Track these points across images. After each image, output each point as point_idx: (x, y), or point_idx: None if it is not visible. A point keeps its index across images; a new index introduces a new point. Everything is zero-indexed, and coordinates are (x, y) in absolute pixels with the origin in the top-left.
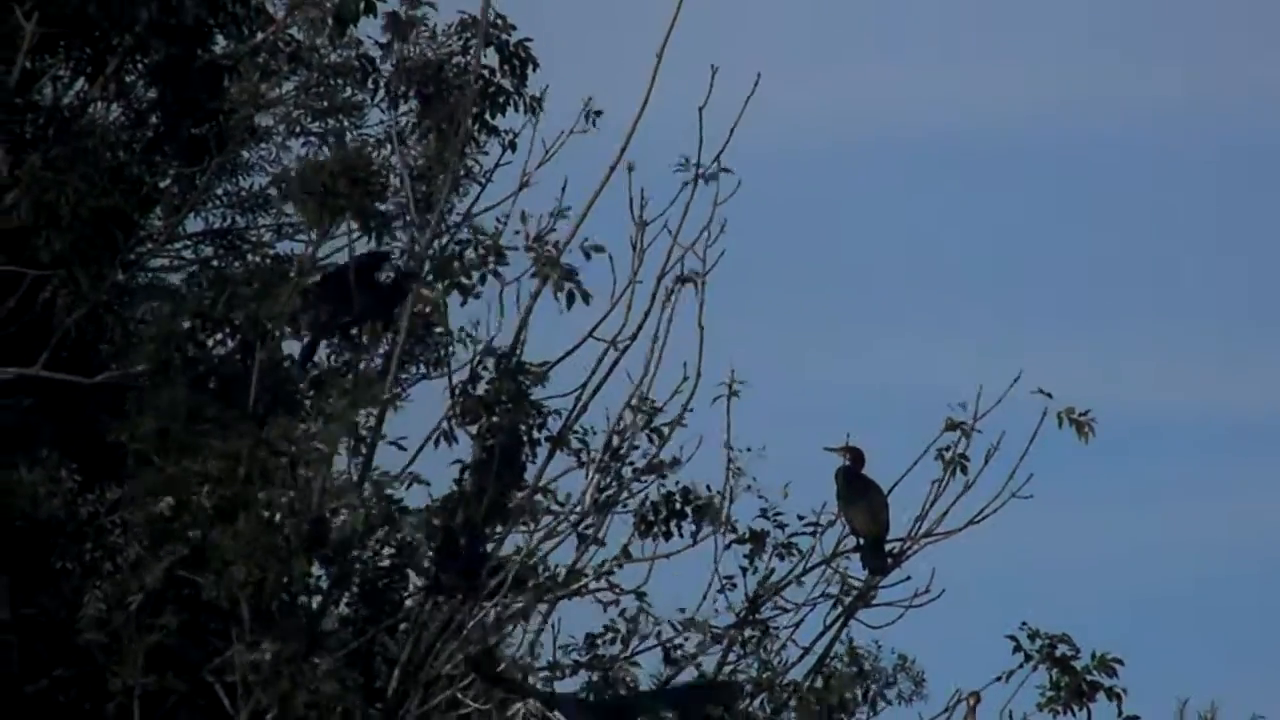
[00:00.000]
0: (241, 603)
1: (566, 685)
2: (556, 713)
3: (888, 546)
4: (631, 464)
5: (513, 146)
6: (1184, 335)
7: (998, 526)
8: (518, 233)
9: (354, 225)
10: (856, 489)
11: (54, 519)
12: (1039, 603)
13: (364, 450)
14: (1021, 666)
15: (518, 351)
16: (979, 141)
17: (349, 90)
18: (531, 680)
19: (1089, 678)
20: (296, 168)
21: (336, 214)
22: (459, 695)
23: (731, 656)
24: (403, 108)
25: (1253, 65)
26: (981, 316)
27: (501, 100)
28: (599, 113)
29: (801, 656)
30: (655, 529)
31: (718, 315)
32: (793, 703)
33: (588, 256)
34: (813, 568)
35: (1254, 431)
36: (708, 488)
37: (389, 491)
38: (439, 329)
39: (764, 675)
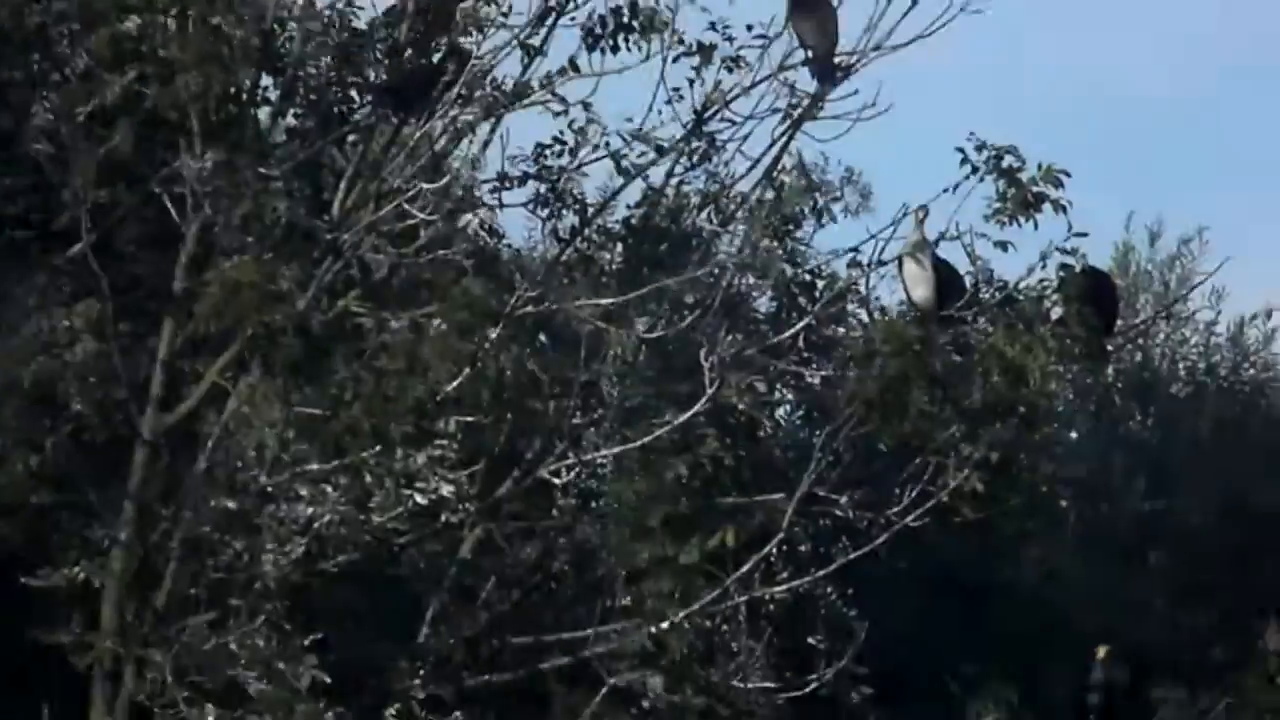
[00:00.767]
0: (191, 114)
1: (514, 196)
2: None
3: (837, 59)
4: None
5: None
6: None
7: (948, 40)
8: None
9: None
10: (806, 1)
11: (0, 29)
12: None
13: None
14: (968, 179)
15: None
16: None
17: None
18: (478, 193)
19: (1035, 189)
20: None
21: None
22: (406, 206)
23: (679, 169)
24: None
25: None
26: None
27: None
28: None
29: (750, 169)
30: (602, 43)
31: None
32: (740, 214)
33: None
34: (761, 80)
35: None
36: (655, 0)
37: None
38: None
39: (711, 188)
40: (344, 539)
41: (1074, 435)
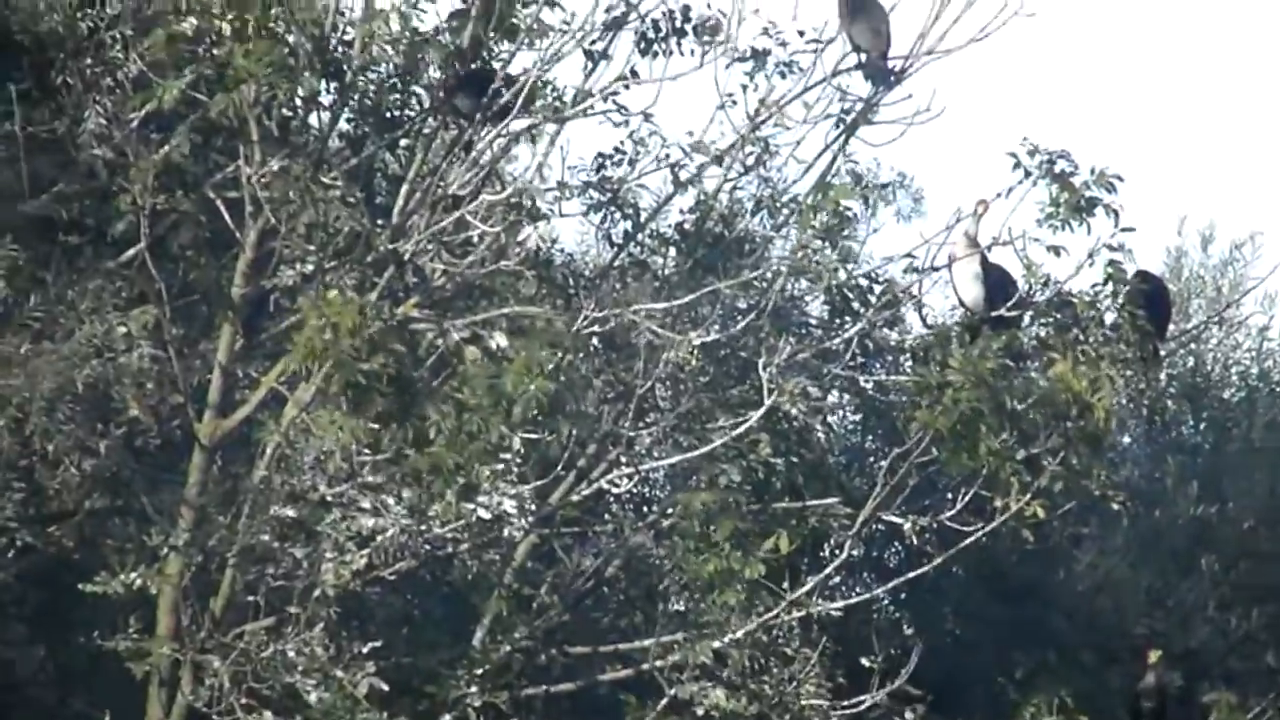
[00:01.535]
0: (250, 120)
1: (573, 207)
2: None
3: (890, 63)
4: None
5: None
6: None
7: (1000, 43)
8: None
9: None
10: (858, 4)
11: (54, 33)
12: (1041, 121)
13: None
14: (1021, 183)
15: None
16: None
17: None
18: (538, 202)
19: (1088, 194)
20: None
21: None
22: (467, 218)
23: (732, 174)
24: None
25: None
26: None
27: None
28: None
29: (804, 174)
30: (656, 46)
31: None
32: (794, 218)
33: None
34: (814, 85)
35: None
36: (708, 5)
37: (414, 24)
38: None
39: (765, 192)
40: (402, 547)
41: (1126, 440)
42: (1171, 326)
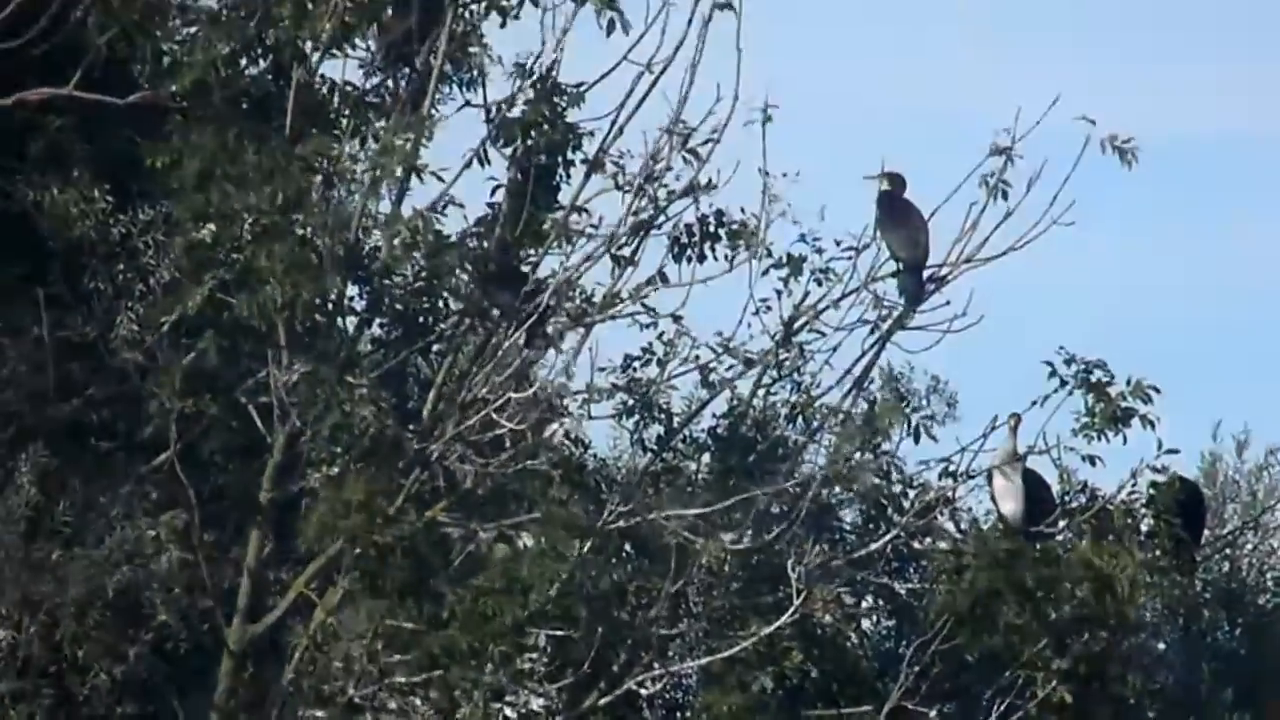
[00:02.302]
0: (277, 324)
1: (602, 408)
2: None
3: (927, 272)
4: (665, 186)
5: None
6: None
7: (1038, 253)
8: None
9: None
10: (897, 213)
11: (86, 239)
12: (1080, 330)
13: (399, 174)
14: (1057, 392)
15: (554, 73)
16: None
17: None
18: (566, 402)
19: (1124, 404)
20: None
21: None
22: (494, 416)
23: (766, 380)
24: None
25: None
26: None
27: None
28: None
29: (839, 380)
30: (689, 251)
31: (755, 37)
32: (828, 426)
33: None
34: (850, 292)
35: None
36: (741, 210)
37: (437, 227)
38: (474, 50)
39: (799, 399)
40: None
41: (1161, 646)
42: (1207, 532)
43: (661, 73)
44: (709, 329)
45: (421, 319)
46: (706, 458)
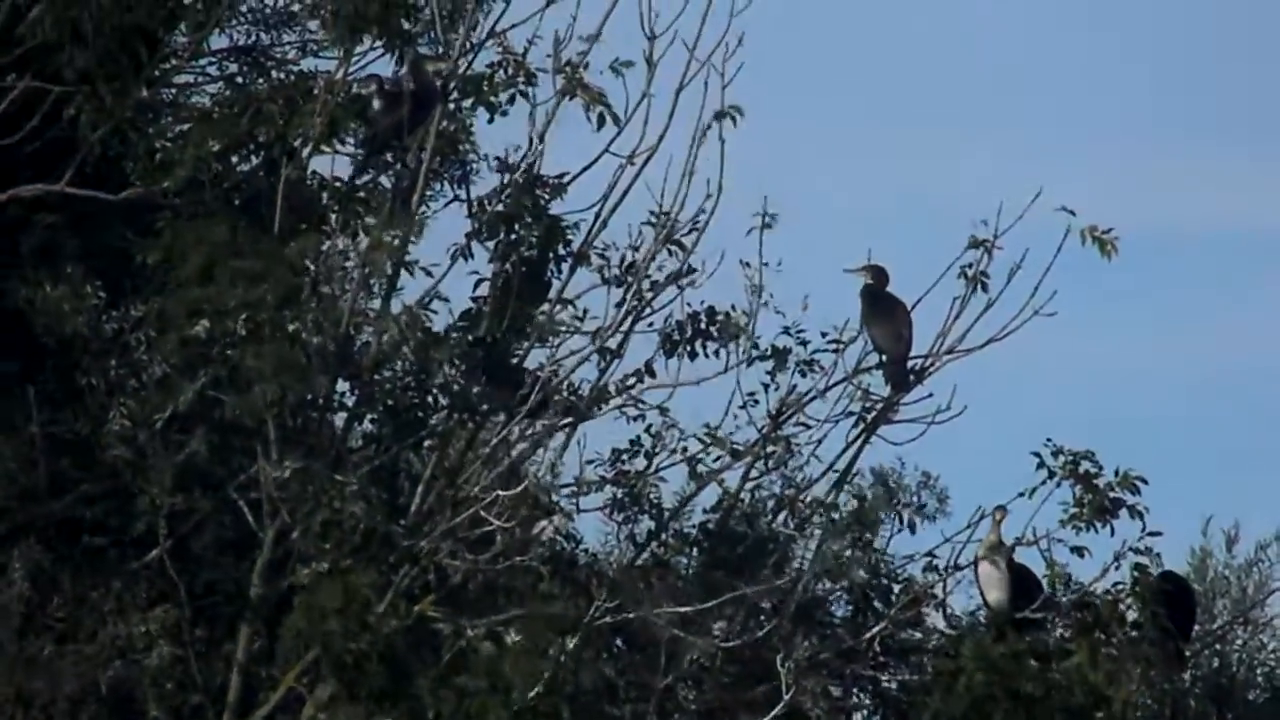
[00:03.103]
0: (267, 421)
1: (591, 501)
2: None
3: (910, 363)
4: (649, 277)
5: None
6: (1212, 150)
7: (1020, 343)
8: (549, 56)
9: (379, 43)
10: (881, 306)
11: (78, 335)
12: (1062, 420)
13: (388, 270)
14: (1045, 483)
15: (537, 166)
16: None
17: None
18: (555, 499)
19: (1112, 495)
20: None
21: (364, 33)
22: (483, 513)
23: (754, 473)
24: None
25: None
26: (1005, 132)
27: None
28: None
29: (825, 473)
30: (680, 349)
31: (739, 128)
32: (816, 518)
33: (618, 73)
34: (835, 384)
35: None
36: (732, 307)
37: (426, 323)
38: (463, 146)
39: (786, 492)
40: None
41: None
42: (1196, 627)
43: (644, 164)
44: (696, 420)
45: (410, 414)
46: (696, 552)
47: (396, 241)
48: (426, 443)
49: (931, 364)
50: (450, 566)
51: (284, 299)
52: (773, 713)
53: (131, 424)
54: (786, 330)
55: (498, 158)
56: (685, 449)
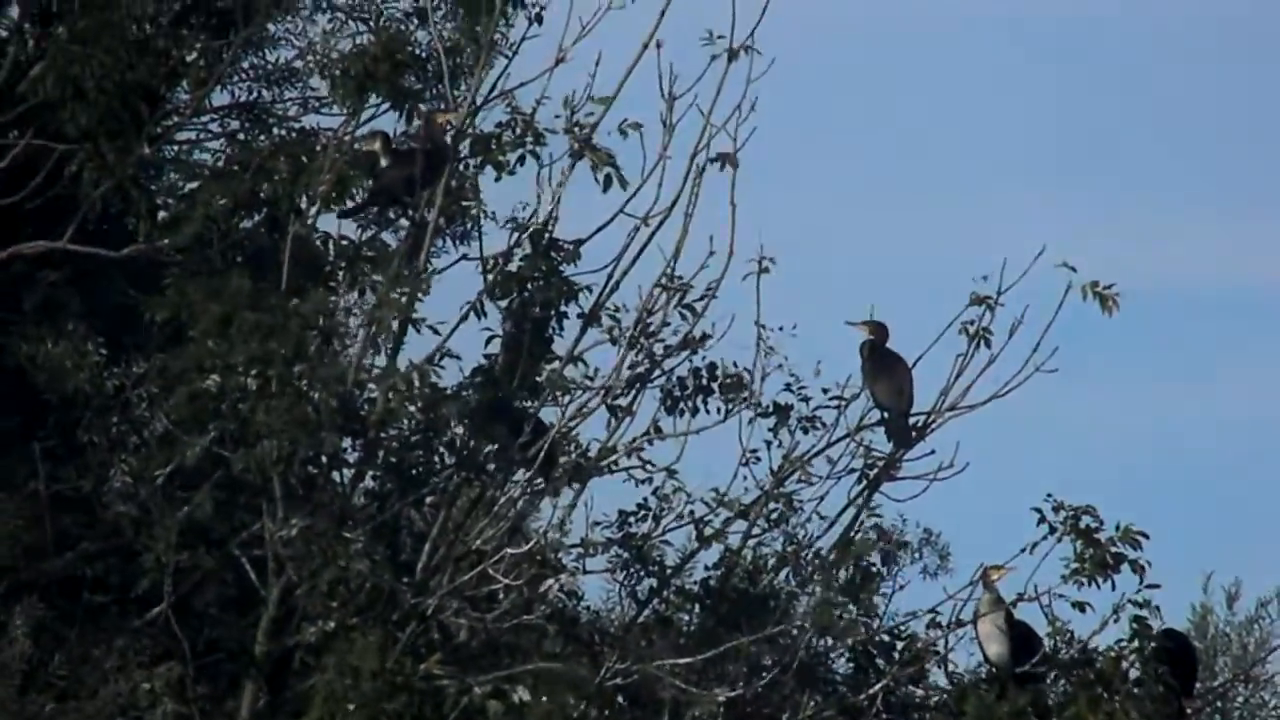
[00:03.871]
0: (273, 478)
1: (597, 562)
2: None
3: (912, 420)
4: (662, 340)
5: (539, 20)
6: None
7: (1022, 400)
8: (557, 117)
9: (385, 101)
10: (882, 363)
11: (80, 392)
12: (1063, 476)
13: (395, 328)
14: (1046, 539)
15: (550, 228)
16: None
17: None
18: (561, 557)
19: (1113, 550)
20: (338, 51)
21: (372, 92)
22: (489, 571)
23: (756, 530)
24: None
25: None
26: (1008, 190)
27: None
28: None
29: (827, 529)
30: (682, 405)
31: (748, 191)
32: (818, 575)
33: (625, 135)
34: (837, 441)
35: None
36: (734, 364)
37: (433, 379)
38: (470, 204)
39: (788, 548)
40: None
41: None
42: (1198, 684)
43: (658, 228)
44: (700, 478)
45: (416, 472)
46: (698, 608)
47: (404, 299)
48: (430, 499)
49: (934, 420)
50: (455, 624)
51: (294, 354)
52: None
53: (133, 481)
54: (789, 387)
55: (511, 218)
56: (692, 512)
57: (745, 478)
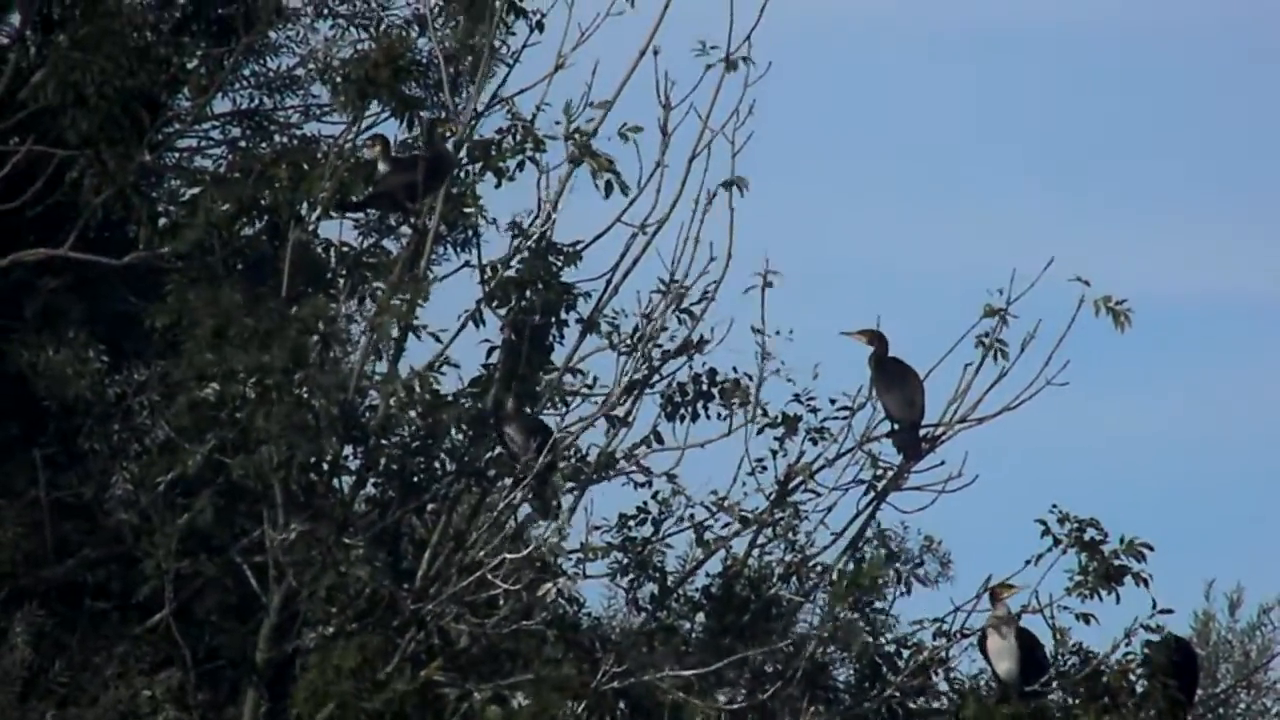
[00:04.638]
0: (273, 484)
1: (597, 567)
2: None
3: (922, 431)
4: (660, 345)
5: (540, 27)
6: (1227, 218)
7: (1032, 412)
8: (558, 123)
9: (387, 108)
10: (892, 373)
11: (81, 399)
12: (1072, 488)
13: (396, 334)
14: (1050, 550)
15: (548, 233)
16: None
17: None
18: (561, 562)
19: (1117, 562)
20: (339, 57)
21: (374, 98)
22: (489, 577)
23: (761, 539)
24: None
25: None
26: (1020, 200)
27: None
28: None
29: (833, 541)
30: (682, 410)
31: (747, 196)
32: (823, 585)
33: (625, 139)
34: (845, 452)
35: None
36: (734, 369)
37: (434, 386)
38: (470, 210)
39: (794, 558)
40: None
41: None
42: (1199, 691)
43: (655, 233)
44: (703, 485)
45: (417, 478)
46: (701, 617)
47: (404, 306)
48: (430, 506)
49: (944, 432)
50: (455, 630)
51: (292, 360)
52: None
53: (134, 488)
54: (797, 397)
55: (511, 223)
56: (693, 516)
57: (746, 485)
